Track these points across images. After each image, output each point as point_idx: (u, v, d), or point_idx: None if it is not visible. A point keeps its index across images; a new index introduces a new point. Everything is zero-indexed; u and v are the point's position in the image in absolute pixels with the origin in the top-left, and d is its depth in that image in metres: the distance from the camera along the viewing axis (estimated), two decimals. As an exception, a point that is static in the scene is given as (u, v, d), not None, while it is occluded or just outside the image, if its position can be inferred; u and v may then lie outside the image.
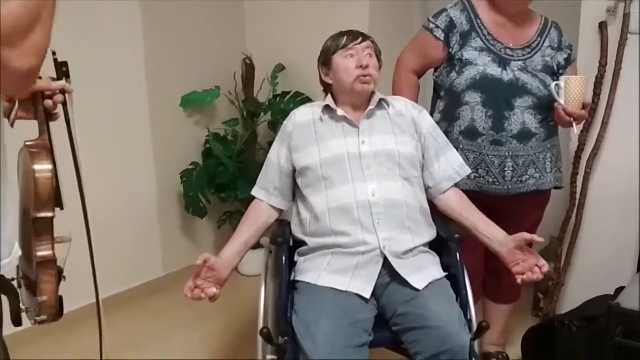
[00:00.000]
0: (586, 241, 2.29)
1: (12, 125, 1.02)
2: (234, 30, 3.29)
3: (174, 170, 2.98)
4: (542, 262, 1.54)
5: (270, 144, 3.16)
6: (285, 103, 3.02)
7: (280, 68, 3.10)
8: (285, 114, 2.94)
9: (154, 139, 2.91)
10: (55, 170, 1.08)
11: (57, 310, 1.06)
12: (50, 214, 1.04)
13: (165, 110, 2.94)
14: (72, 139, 1.15)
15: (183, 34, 2.98)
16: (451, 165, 1.75)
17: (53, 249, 1.06)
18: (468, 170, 1.78)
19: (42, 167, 1.02)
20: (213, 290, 1.53)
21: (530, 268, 1.54)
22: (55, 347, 2.28)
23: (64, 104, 1.13)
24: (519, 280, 1.55)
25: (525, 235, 1.55)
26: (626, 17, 2.08)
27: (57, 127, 1.14)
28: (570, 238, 2.31)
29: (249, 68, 3.09)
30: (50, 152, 1.05)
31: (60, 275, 1.15)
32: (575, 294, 2.28)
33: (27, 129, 1.09)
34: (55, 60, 1.11)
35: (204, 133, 3.13)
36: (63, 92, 1.12)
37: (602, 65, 2.13)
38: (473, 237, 1.69)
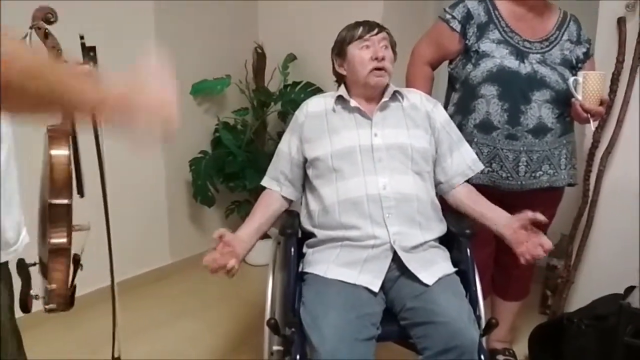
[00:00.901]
0: (597, 239, 2.26)
1: None
2: (246, 18, 3.26)
3: (183, 158, 2.97)
4: (545, 240, 1.51)
5: (279, 134, 3.18)
6: (296, 93, 3.00)
7: (291, 58, 3.08)
8: (295, 104, 2.93)
9: (164, 127, 2.90)
10: (76, 157, 1.07)
11: (66, 300, 1.04)
12: (65, 201, 1.02)
13: (175, 98, 2.93)
14: (95, 128, 1.12)
15: (194, 22, 2.96)
16: (464, 160, 1.73)
17: (69, 237, 1.04)
18: (481, 166, 1.76)
19: (59, 153, 1.00)
20: (232, 262, 1.49)
21: (533, 246, 1.51)
22: (63, 331, 2.29)
23: None
24: (522, 260, 1.52)
25: (529, 214, 1.52)
26: (645, 13, 2.04)
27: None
28: (581, 236, 2.29)
29: (260, 57, 3.08)
30: (69, 138, 1.03)
31: (77, 264, 1.15)
32: (584, 292, 2.26)
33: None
34: (83, 44, 1.08)
35: (213, 122, 3.11)
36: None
37: (619, 62, 2.10)
38: (481, 226, 1.66)
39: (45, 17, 0.99)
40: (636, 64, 2.09)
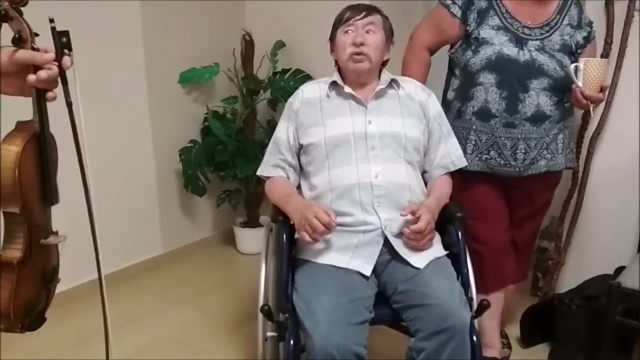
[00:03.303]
0: (587, 221, 2.28)
1: None
2: (233, 6, 3.23)
3: (173, 148, 2.95)
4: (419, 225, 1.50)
5: (269, 122, 3.17)
6: (285, 80, 2.98)
7: (280, 45, 3.06)
8: (285, 91, 2.93)
9: (152, 116, 2.87)
10: (47, 158, 0.94)
11: (12, 322, 0.91)
12: (14, 210, 0.90)
13: (164, 87, 2.91)
14: (73, 122, 0.96)
15: (181, 10, 2.93)
16: (449, 154, 1.74)
17: (23, 252, 0.92)
18: (464, 163, 1.76)
19: (7, 149, 0.88)
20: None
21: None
22: (55, 323, 2.28)
23: (63, 81, 0.94)
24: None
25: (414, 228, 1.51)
26: (632, -6, 2.04)
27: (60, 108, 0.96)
28: (571, 217, 2.31)
29: (248, 44, 3.05)
30: (29, 137, 0.91)
31: (48, 282, 1.01)
32: (574, 274, 2.28)
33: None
34: (53, 28, 0.93)
35: (202, 110, 3.09)
36: (59, 66, 0.92)
37: (608, 44, 2.10)
38: (493, 207, 1.82)
39: None
40: (624, 46, 2.09)
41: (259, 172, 1.78)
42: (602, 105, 2.14)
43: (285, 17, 3.12)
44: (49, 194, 0.97)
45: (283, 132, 1.73)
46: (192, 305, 2.59)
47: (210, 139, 3.00)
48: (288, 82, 2.96)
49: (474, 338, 1.46)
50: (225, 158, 2.94)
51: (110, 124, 2.65)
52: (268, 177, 1.75)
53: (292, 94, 1.79)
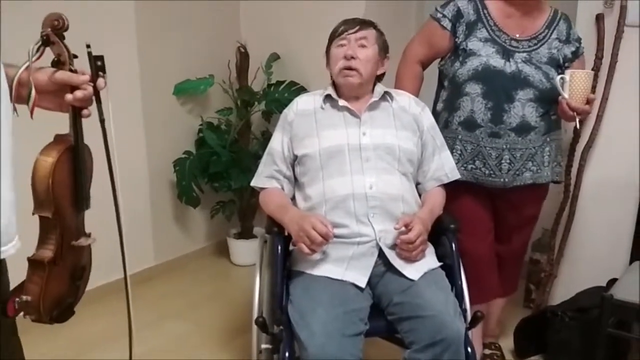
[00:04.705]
0: (579, 233, 2.30)
1: (31, 115, 0.95)
2: (229, 18, 3.25)
3: (167, 158, 2.95)
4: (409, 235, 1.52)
5: (264, 133, 3.18)
6: (280, 92, 3.00)
7: (274, 57, 3.08)
8: (279, 103, 2.94)
9: (147, 127, 2.87)
10: (78, 170, 1.03)
11: (40, 313, 1.00)
12: (47, 214, 0.98)
13: (158, 98, 2.91)
14: (106, 140, 1.07)
15: (176, 21, 2.94)
16: (443, 167, 1.75)
17: (54, 252, 1.00)
18: (457, 175, 1.78)
19: (42, 160, 0.96)
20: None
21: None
22: (52, 332, 2.26)
23: (97, 100, 1.06)
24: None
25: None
26: (623, 9, 2.08)
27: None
28: (563, 230, 2.32)
29: (243, 56, 3.07)
30: (65, 149, 0.99)
31: (77, 279, 1.11)
32: (567, 286, 2.29)
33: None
34: (89, 53, 1.04)
35: (197, 122, 3.10)
36: (94, 86, 1.03)
37: (598, 58, 2.13)
38: (478, 221, 1.85)
39: (52, 24, 0.99)
40: (615, 60, 2.12)
41: (253, 183, 1.78)
42: (592, 119, 2.17)
43: (280, 30, 3.14)
44: (80, 201, 1.07)
45: (277, 143, 1.73)
46: (186, 317, 2.57)
47: (204, 150, 3.00)
48: (282, 94, 2.98)
49: (469, 349, 1.47)
50: (220, 169, 2.94)
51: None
52: (262, 188, 1.75)
53: (286, 105, 1.80)
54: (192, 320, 2.54)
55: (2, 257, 0.91)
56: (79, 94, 1.00)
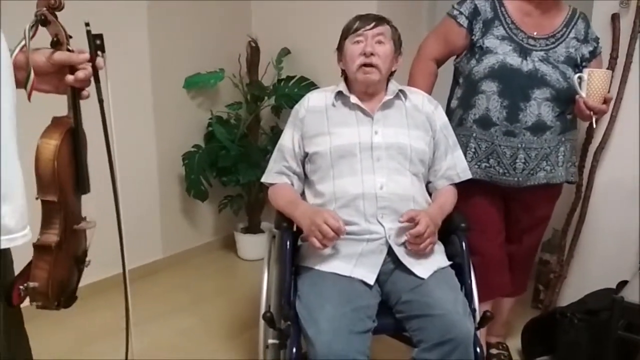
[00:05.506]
0: (590, 234, 2.28)
1: (28, 98, 0.93)
2: (240, 12, 3.24)
3: (176, 152, 2.95)
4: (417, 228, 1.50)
5: (273, 128, 3.18)
6: (290, 87, 2.99)
7: (285, 52, 3.07)
8: (289, 98, 2.93)
9: (157, 120, 2.88)
10: (78, 153, 1.01)
11: (48, 298, 0.99)
12: (52, 198, 0.97)
13: (169, 92, 2.91)
14: (104, 120, 1.06)
15: (188, 15, 2.94)
16: (455, 167, 1.74)
17: (60, 235, 0.99)
18: (469, 175, 1.77)
19: (45, 143, 0.95)
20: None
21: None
22: (54, 324, 2.27)
23: (96, 80, 1.03)
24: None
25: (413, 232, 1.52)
26: (639, 9, 2.05)
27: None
28: (574, 231, 2.30)
29: (254, 51, 3.06)
30: (65, 131, 0.98)
31: (80, 263, 1.11)
32: (576, 287, 2.27)
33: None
34: (88, 31, 1.01)
35: (206, 115, 3.10)
36: (93, 66, 1.01)
37: (613, 58, 2.11)
38: (491, 220, 1.86)
39: (47, 4, 0.96)
40: (630, 60, 2.10)
41: (263, 179, 1.77)
42: (606, 119, 2.15)
43: (291, 25, 3.13)
44: (82, 184, 1.06)
45: (288, 139, 1.72)
46: (193, 311, 2.58)
47: (213, 144, 3.00)
48: (292, 89, 2.98)
49: (478, 349, 1.46)
50: (228, 163, 2.94)
51: (114, 127, 2.64)
52: (272, 184, 1.74)
53: (296, 101, 1.79)
54: (198, 314, 2.54)
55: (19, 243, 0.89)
56: (80, 74, 0.98)
